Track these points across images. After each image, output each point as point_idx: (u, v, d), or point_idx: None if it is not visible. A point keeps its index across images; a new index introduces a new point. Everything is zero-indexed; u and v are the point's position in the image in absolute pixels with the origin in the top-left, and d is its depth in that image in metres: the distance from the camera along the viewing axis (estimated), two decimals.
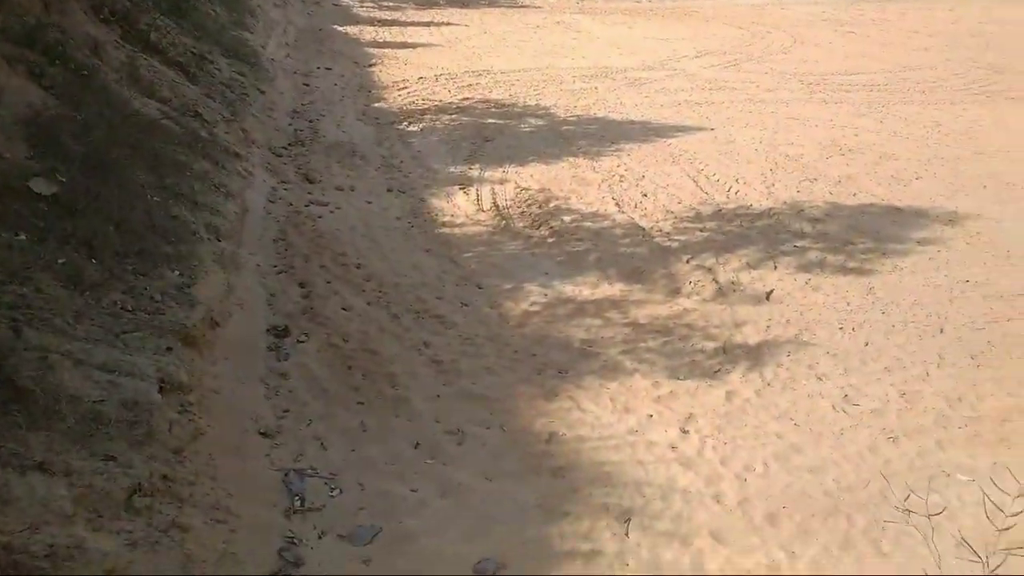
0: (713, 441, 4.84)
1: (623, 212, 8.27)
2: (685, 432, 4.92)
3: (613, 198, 8.61)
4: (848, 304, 6.55)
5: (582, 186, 8.94)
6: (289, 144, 9.59)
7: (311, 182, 8.44)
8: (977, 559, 2.84)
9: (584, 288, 6.80)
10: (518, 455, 4.66)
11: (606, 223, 8.01)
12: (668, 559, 3.89)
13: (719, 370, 5.61)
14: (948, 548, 3.73)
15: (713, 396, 5.30)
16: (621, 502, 4.29)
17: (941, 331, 6.20)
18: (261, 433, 4.41)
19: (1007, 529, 2.89)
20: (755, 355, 5.79)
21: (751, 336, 6.05)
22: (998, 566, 2.82)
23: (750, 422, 5.03)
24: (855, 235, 7.78)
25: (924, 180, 9.39)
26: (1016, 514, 2.96)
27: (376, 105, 11.89)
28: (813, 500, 4.36)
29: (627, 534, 4.04)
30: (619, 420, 5.05)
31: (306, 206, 7.75)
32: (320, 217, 7.56)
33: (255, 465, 4.18)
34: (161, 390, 4.17)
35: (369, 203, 8.14)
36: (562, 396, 5.27)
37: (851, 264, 7.21)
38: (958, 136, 11.18)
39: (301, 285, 6.14)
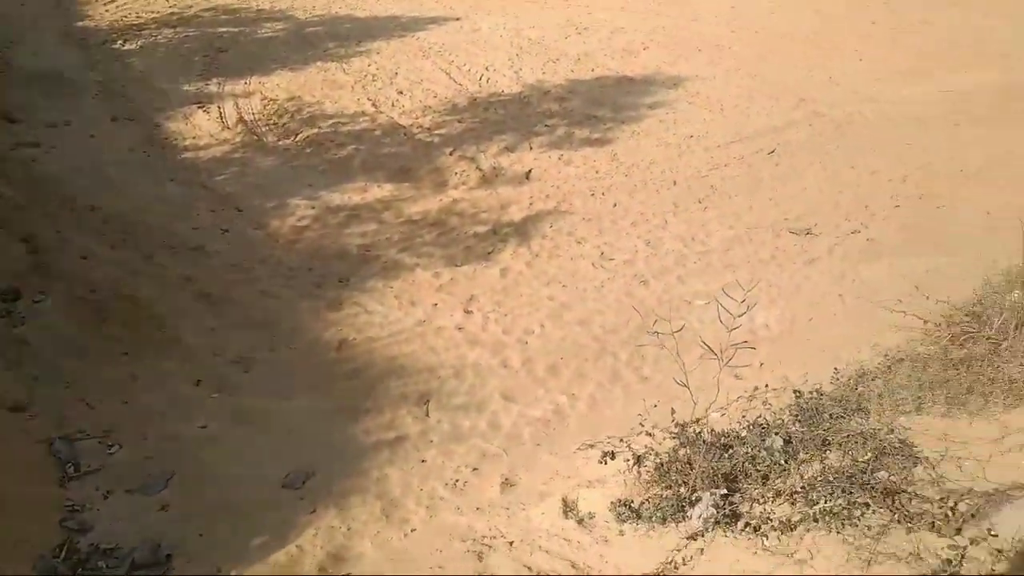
0: (495, 315, 5.18)
1: (381, 112, 8.12)
2: (469, 313, 5.21)
3: (369, 99, 8.39)
4: (597, 172, 7.15)
5: (335, 90, 8.58)
6: None
7: (13, 122, 7.20)
8: (715, 356, 3.36)
9: (353, 194, 6.70)
10: (310, 368, 4.66)
11: (365, 125, 7.83)
12: (467, 426, 4.20)
13: (492, 251, 5.93)
14: (695, 359, 4.40)
15: (489, 275, 5.62)
16: (418, 388, 4.50)
17: (674, 183, 7.02)
18: (10, 409, 3.93)
19: (735, 329, 3.46)
20: (522, 231, 6.18)
21: (516, 215, 6.43)
22: (731, 358, 3.38)
23: (524, 292, 5.44)
24: (596, 108, 8.38)
25: (650, 49, 10.24)
26: (740, 315, 3.53)
27: (80, 24, 10.25)
28: (584, 347, 4.90)
29: (427, 414, 4.28)
30: (406, 314, 5.20)
31: (12, 150, 6.64)
32: (34, 161, 6.55)
33: (12, 443, 3.74)
34: None
35: (92, 137, 7.18)
36: (347, 303, 5.28)
37: (596, 135, 7.80)
38: (676, 4, 12.20)
39: (24, 240, 5.35)
